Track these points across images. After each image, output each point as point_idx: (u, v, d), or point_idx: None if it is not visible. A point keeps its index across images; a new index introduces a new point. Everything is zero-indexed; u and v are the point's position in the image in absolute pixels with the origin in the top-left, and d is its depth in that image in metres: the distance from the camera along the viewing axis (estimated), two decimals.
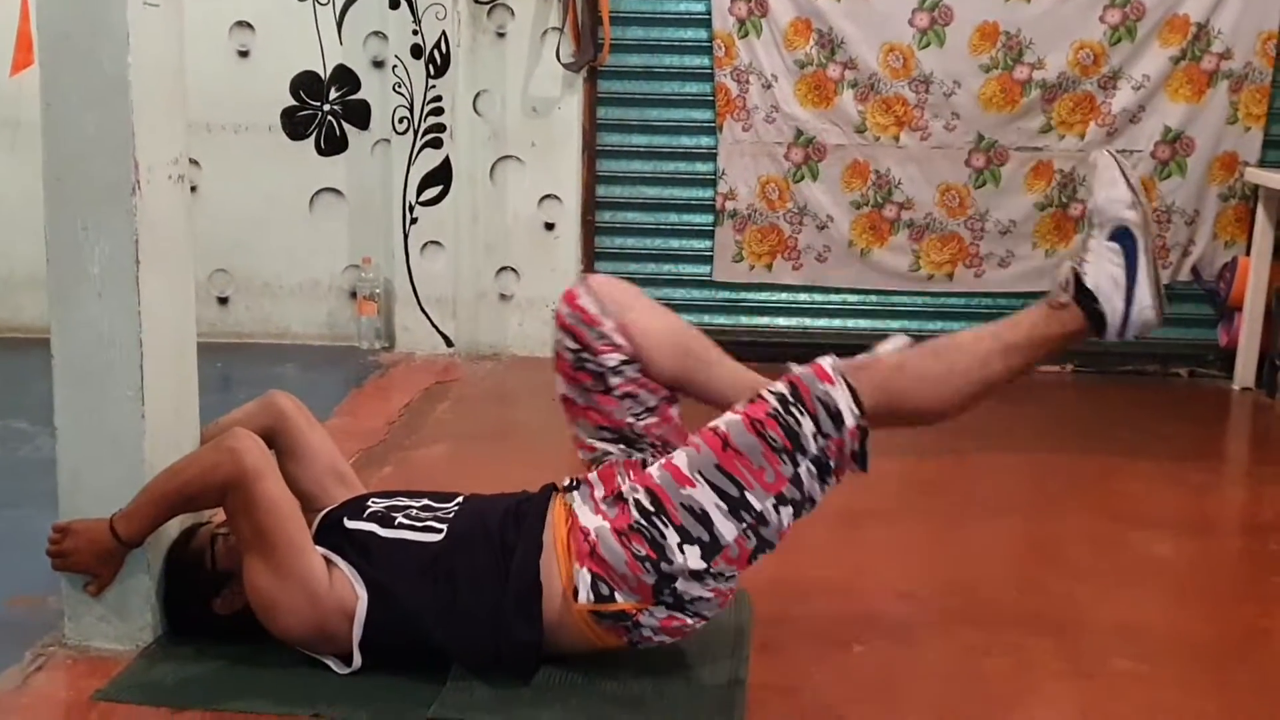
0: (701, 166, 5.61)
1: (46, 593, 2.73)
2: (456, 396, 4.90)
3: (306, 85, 5.44)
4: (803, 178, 5.52)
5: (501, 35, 5.37)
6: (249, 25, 5.39)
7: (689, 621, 2.42)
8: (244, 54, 5.40)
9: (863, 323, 5.69)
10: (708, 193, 5.61)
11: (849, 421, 2.31)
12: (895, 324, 5.66)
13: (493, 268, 5.52)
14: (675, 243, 5.71)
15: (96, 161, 2.46)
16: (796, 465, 2.31)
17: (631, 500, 2.39)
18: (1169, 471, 4.17)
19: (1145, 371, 5.52)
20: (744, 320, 5.74)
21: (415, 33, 5.25)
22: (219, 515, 2.61)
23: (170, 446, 2.60)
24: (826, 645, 2.73)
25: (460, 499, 2.64)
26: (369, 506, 2.60)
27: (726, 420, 2.37)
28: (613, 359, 2.56)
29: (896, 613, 2.94)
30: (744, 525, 2.33)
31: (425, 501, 2.63)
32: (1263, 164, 5.34)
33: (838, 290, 5.66)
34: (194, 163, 4.98)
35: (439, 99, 5.31)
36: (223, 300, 5.62)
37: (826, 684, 2.57)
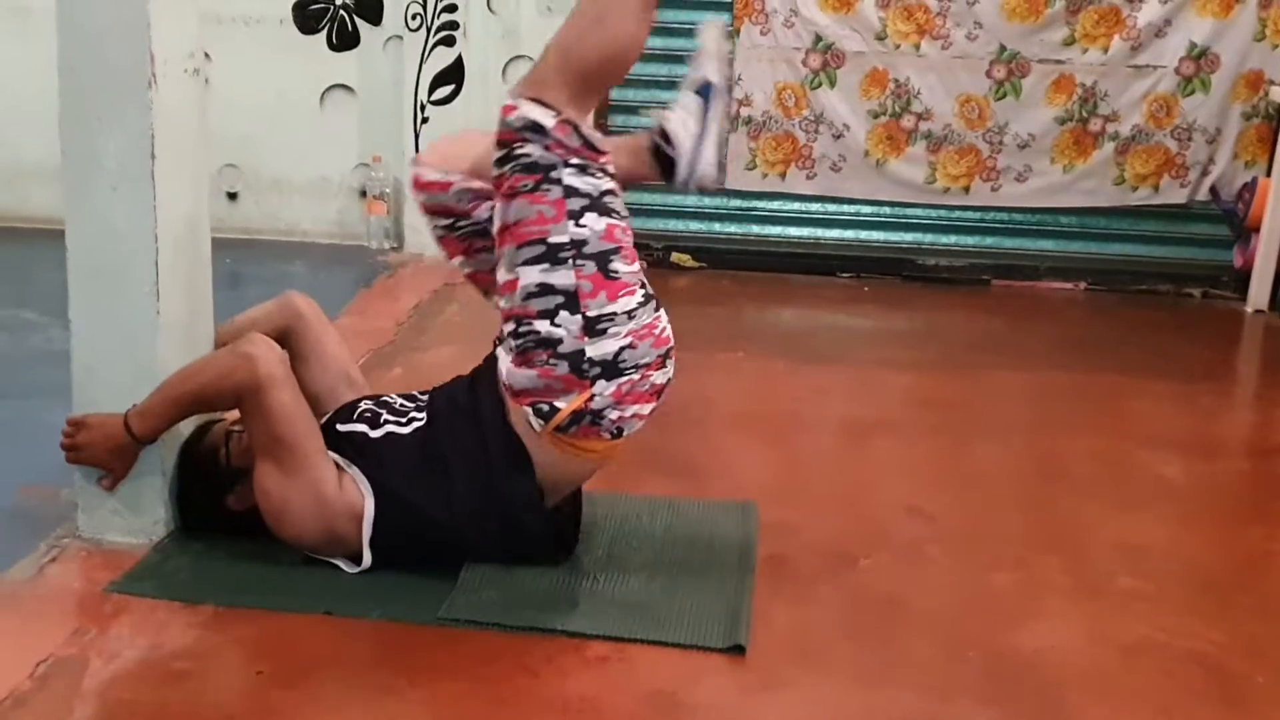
0: None
1: (59, 484, 2.74)
2: (465, 299, 4.86)
3: None
4: (820, 85, 5.45)
5: None
6: None
7: (637, 379, 2.40)
8: None
9: (876, 234, 5.66)
10: None
11: (549, 122, 2.32)
12: (909, 236, 5.65)
13: None
14: None
15: (111, 53, 2.42)
16: (558, 180, 2.34)
17: (505, 333, 2.45)
18: (1179, 392, 4.16)
19: (1158, 291, 5.49)
20: (755, 230, 5.71)
21: None
22: (234, 412, 2.61)
23: (184, 342, 2.60)
24: (833, 559, 2.75)
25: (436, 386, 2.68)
26: (359, 408, 2.63)
27: (495, 210, 2.43)
28: (485, 210, 2.56)
29: (903, 528, 2.95)
30: (568, 259, 2.35)
31: (410, 393, 2.68)
32: None
33: (851, 201, 5.62)
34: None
35: None
36: (232, 195, 5.58)
37: (833, 597, 2.59)
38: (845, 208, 5.64)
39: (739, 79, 5.45)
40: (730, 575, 2.59)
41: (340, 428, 2.56)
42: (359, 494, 2.47)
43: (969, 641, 2.42)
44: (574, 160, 2.35)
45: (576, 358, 2.37)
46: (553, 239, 2.35)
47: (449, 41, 5.25)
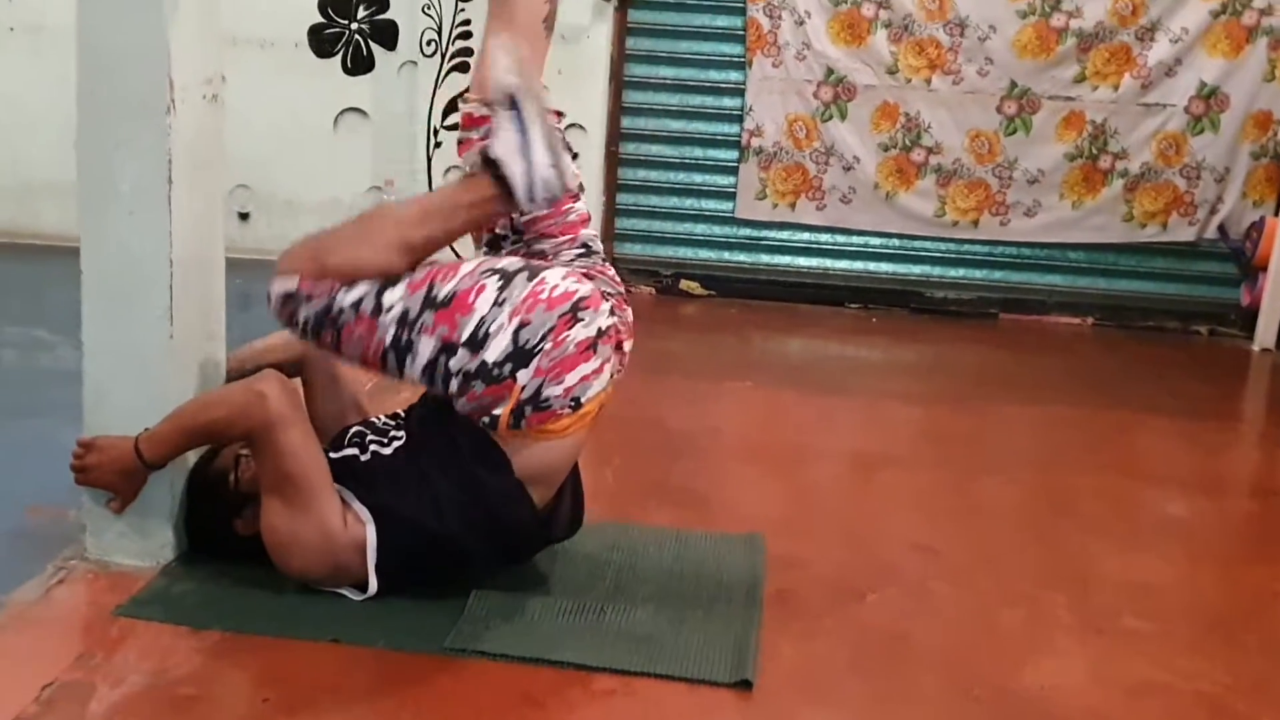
0: (729, 102, 5.56)
1: (67, 504, 2.74)
2: None
3: (335, 3, 5.38)
4: (831, 117, 5.47)
5: None
6: None
7: (550, 348, 2.38)
8: None
9: (884, 266, 5.68)
10: (734, 128, 5.57)
11: (293, 285, 2.41)
12: (917, 269, 5.67)
13: None
14: (699, 177, 5.68)
15: (130, 79, 2.43)
16: (341, 310, 2.40)
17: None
18: (1185, 430, 4.17)
19: (1165, 327, 5.50)
20: (764, 259, 5.72)
21: None
22: None
23: (196, 367, 2.61)
24: (840, 593, 2.74)
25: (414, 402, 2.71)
26: (348, 433, 2.64)
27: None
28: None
29: (910, 563, 2.94)
30: (412, 337, 2.38)
31: (395, 412, 2.69)
32: None
33: (861, 233, 5.64)
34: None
35: (468, 22, 5.25)
36: (244, 216, 5.60)
37: (839, 632, 2.58)
38: (854, 239, 5.66)
39: (750, 109, 5.48)
40: (738, 609, 2.58)
41: (333, 455, 2.56)
42: (361, 526, 2.47)
43: (975, 679, 2.42)
44: (338, 291, 2.40)
45: (483, 370, 2.38)
46: (388, 341, 2.40)
47: (463, 68, 5.27)
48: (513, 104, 2.42)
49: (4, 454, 3.21)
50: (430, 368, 2.40)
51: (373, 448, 2.56)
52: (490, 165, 2.44)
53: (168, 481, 2.59)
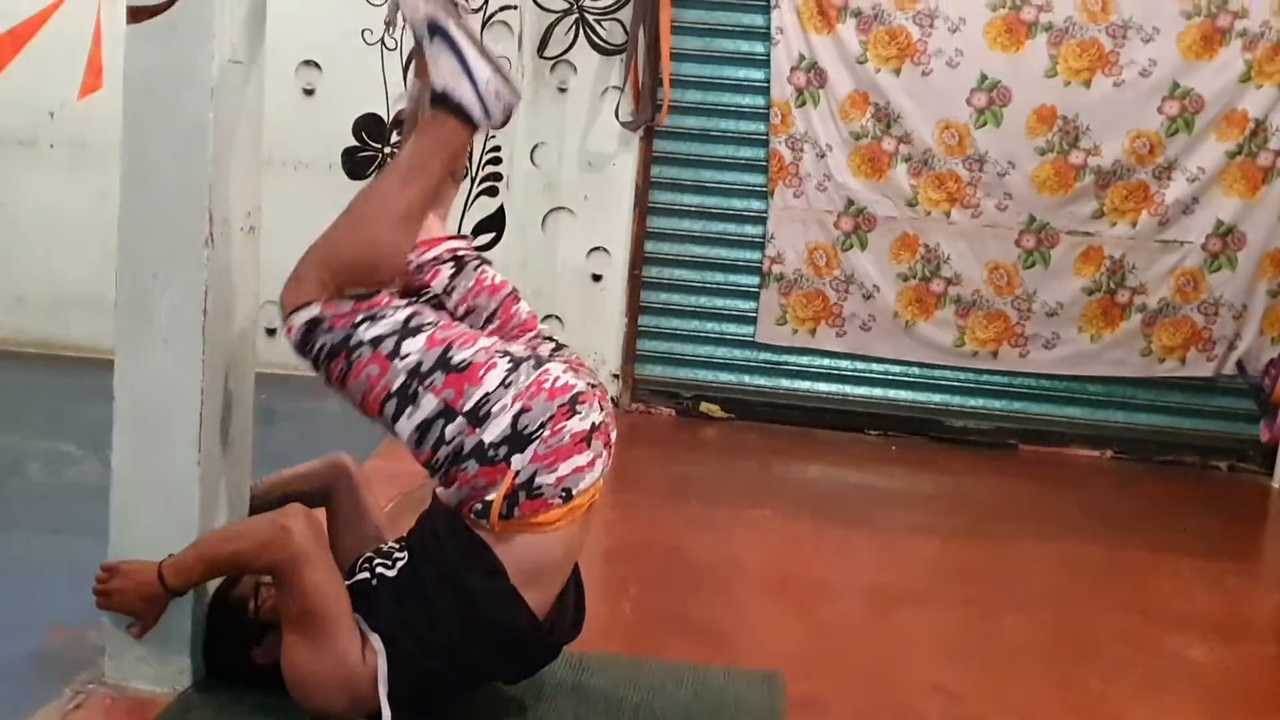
0: (751, 229, 5.64)
1: (86, 625, 2.75)
2: None
3: (369, 127, 5.50)
4: (851, 246, 5.54)
5: (563, 91, 5.44)
6: (316, 64, 5.47)
7: (548, 436, 2.40)
8: (309, 92, 5.48)
9: (903, 394, 5.70)
10: (755, 255, 5.64)
11: (317, 311, 2.47)
12: (936, 397, 5.69)
13: (539, 315, 5.52)
14: (720, 302, 5.74)
15: (172, 212, 2.51)
16: (360, 342, 2.44)
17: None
18: (1205, 571, 4.14)
19: (1184, 462, 5.49)
20: (784, 384, 5.76)
21: None
22: None
23: (223, 494, 2.64)
24: None
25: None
26: (360, 559, 2.65)
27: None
28: (442, 278, 2.70)
29: (930, 706, 2.92)
30: (417, 389, 2.40)
31: (402, 535, 2.70)
32: None
33: (880, 360, 5.67)
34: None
35: (498, 149, 5.37)
36: (270, 332, 5.66)
37: None
38: (874, 366, 5.69)
39: (771, 237, 5.56)
40: None
41: (346, 582, 2.57)
42: (375, 655, 2.47)
43: None
44: (360, 319, 2.45)
45: (479, 450, 2.40)
46: (394, 387, 2.42)
47: (492, 192, 5.39)
48: (436, 29, 2.46)
49: (27, 571, 3.23)
50: (426, 426, 2.42)
51: (379, 570, 2.57)
52: (440, 100, 2.47)
53: (188, 608, 2.60)
